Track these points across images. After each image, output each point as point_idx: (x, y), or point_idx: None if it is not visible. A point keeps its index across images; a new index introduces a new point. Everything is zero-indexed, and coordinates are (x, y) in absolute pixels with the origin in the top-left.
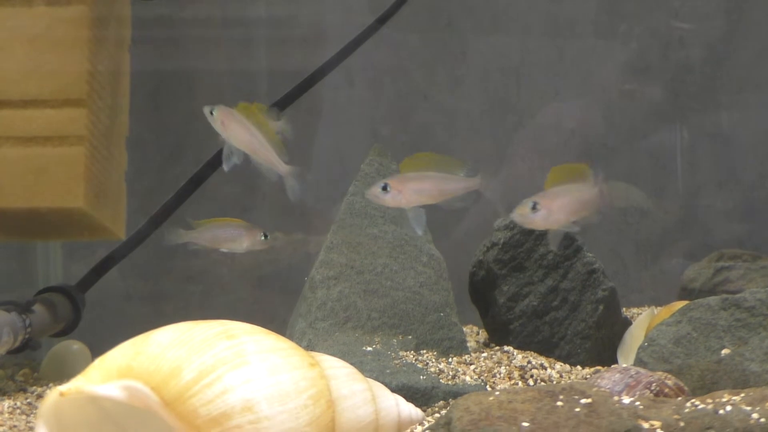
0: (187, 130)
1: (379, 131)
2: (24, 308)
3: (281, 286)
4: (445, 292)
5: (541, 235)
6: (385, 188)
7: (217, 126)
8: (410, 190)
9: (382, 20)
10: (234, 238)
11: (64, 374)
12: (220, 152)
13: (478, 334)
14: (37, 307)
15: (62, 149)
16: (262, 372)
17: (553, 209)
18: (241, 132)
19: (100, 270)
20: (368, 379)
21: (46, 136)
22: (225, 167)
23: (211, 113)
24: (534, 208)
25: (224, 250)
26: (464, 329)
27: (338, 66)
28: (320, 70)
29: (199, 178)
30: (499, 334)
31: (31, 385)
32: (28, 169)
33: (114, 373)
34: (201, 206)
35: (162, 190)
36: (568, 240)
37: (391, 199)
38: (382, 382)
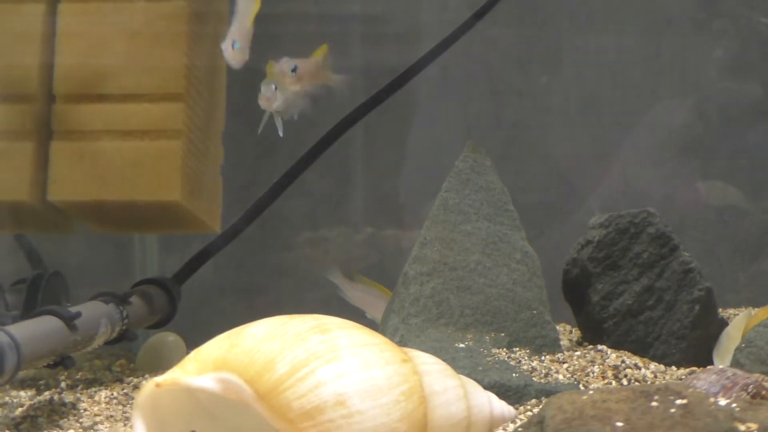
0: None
1: (473, 127)
2: (121, 300)
3: (374, 281)
4: (539, 290)
5: (636, 234)
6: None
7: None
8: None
9: (479, 15)
10: (376, 307)
11: (159, 365)
12: (314, 147)
13: (571, 332)
14: (134, 299)
15: (160, 143)
16: (355, 367)
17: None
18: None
19: (195, 263)
20: (461, 375)
21: (144, 130)
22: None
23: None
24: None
25: (368, 315)
26: (557, 327)
27: (434, 61)
28: (417, 66)
29: (294, 172)
30: (592, 333)
31: (128, 376)
32: (126, 163)
33: (209, 365)
34: (295, 201)
35: (257, 184)
36: (664, 239)
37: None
38: (475, 379)
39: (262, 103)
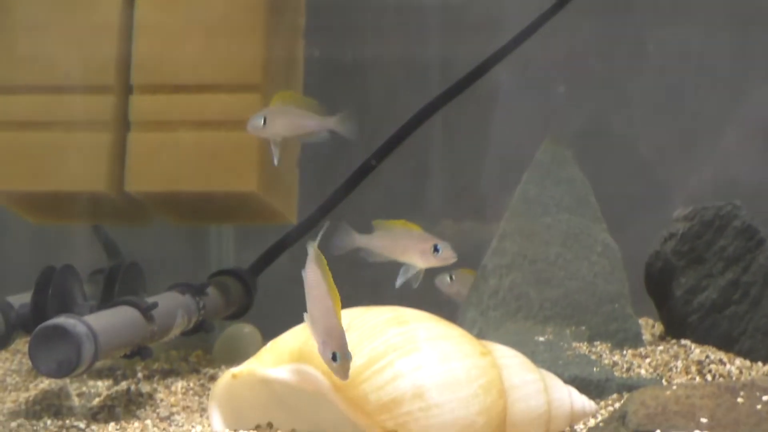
0: (359, 117)
1: (554, 119)
2: (198, 291)
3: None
4: (620, 283)
5: (721, 227)
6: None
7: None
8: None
9: (560, 4)
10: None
11: (235, 357)
12: (391, 139)
13: (653, 326)
14: (211, 290)
15: (236, 134)
16: (433, 359)
17: None
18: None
19: (271, 254)
20: (540, 369)
21: (221, 120)
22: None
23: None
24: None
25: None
26: (639, 321)
27: (514, 51)
28: (496, 56)
29: (370, 165)
30: (675, 328)
31: (204, 367)
32: (202, 154)
33: (286, 357)
34: (372, 192)
35: (333, 176)
36: (750, 232)
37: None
38: (555, 373)
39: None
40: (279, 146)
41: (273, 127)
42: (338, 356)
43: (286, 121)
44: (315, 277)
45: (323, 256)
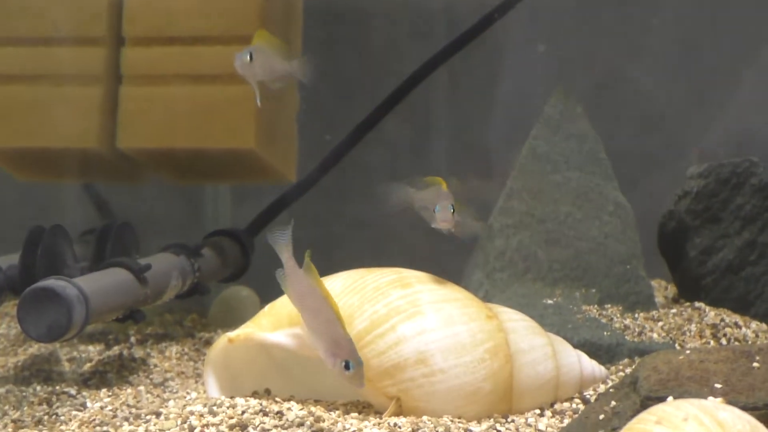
0: (361, 70)
1: (564, 71)
2: (193, 252)
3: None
4: (632, 244)
5: (737, 185)
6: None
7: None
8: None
9: None
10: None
11: (232, 320)
12: (394, 93)
13: (666, 289)
14: (206, 251)
15: (232, 88)
16: (437, 323)
17: None
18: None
19: (269, 214)
20: (549, 333)
21: (217, 74)
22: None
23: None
24: None
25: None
26: (652, 283)
27: (520, 3)
28: (503, 6)
29: (373, 120)
30: (689, 290)
31: (199, 331)
32: (197, 109)
33: (284, 321)
34: (374, 149)
35: (334, 132)
36: (766, 191)
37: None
38: (564, 337)
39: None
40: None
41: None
42: (351, 365)
43: (264, 61)
44: (305, 286)
45: (311, 263)
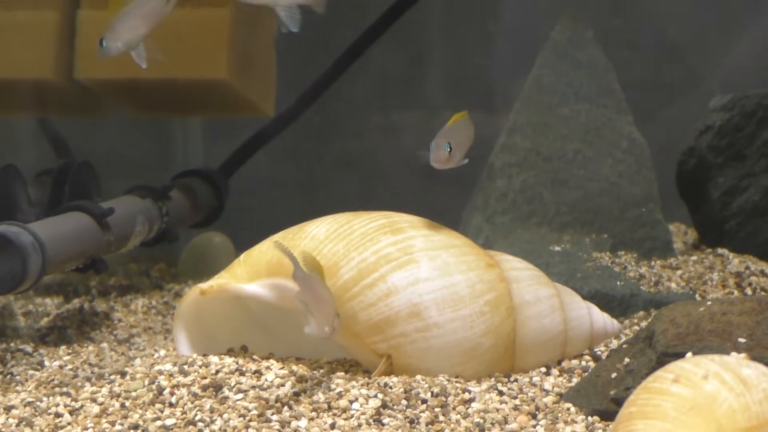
0: None
1: None
2: (160, 194)
3: (454, 173)
4: (648, 184)
5: (764, 118)
6: None
7: None
8: None
9: None
10: None
11: (204, 270)
12: (383, 17)
13: (686, 233)
14: (175, 194)
15: (203, 12)
16: (432, 272)
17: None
18: None
19: (245, 152)
20: (556, 283)
21: None
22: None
23: None
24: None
25: None
26: (670, 228)
27: None
28: None
29: (358, 48)
30: (711, 235)
31: (168, 282)
32: (163, 34)
33: (262, 271)
34: (361, 80)
35: (317, 61)
36: None
37: None
38: (572, 288)
39: None
40: None
41: None
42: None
43: None
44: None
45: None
